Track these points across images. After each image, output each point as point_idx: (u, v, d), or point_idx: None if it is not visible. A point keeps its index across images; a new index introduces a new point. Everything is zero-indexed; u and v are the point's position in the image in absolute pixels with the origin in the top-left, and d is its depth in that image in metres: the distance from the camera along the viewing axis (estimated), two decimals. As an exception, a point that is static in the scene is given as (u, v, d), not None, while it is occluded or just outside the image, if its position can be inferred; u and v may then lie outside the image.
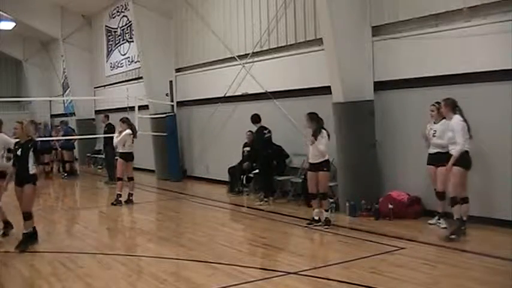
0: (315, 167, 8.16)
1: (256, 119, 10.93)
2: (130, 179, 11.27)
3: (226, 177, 12.28)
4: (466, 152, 6.92)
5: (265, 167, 10.65)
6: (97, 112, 20.77)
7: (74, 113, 21.47)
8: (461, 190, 7.00)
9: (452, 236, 6.90)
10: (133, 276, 6.05)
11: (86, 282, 5.75)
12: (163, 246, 7.48)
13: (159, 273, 5.97)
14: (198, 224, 8.99)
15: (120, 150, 11.21)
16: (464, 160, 6.91)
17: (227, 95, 12.94)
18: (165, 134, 14.76)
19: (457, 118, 7.00)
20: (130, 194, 11.15)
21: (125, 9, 17.80)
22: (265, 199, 10.40)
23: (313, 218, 8.26)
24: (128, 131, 11.11)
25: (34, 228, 7.54)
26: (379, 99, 9.08)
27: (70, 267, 6.34)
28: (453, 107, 7.12)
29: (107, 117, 15.19)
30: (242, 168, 11.66)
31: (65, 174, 16.66)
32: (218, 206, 10.74)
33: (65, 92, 23.15)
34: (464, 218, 6.99)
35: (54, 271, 6.18)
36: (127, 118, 11.64)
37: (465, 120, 6.95)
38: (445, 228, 7.54)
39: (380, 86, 9.07)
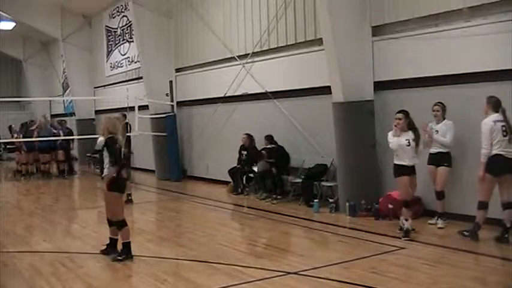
0: (412, 170, 7.35)
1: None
2: None
3: (226, 177, 12.27)
4: (493, 156, 6.57)
5: (283, 169, 10.83)
6: (97, 112, 20.78)
7: (74, 113, 21.46)
8: (487, 195, 6.73)
9: (466, 233, 6.82)
10: (134, 276, 6.06)
11: (86, 282, 5.75)
12: (163, 246, 7.48)
13: (159, 273, 5.98)
14: (198, 224, 8.98)
15: None
16: (490, 165, 6.58)
17: (227, 95, 12.94)
18: (165, 134, 14.75)
19: (487, 118, 6.66)
20: (128, 194, 11.13)
21: (125, 9, 17.79)
22: (274, 197, 10.59)
23: (409, 229, 7.27)
24: None
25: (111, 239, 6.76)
26: (379, 99, 9.08)
27: (70, 267, 6.34)
28: (495, 106, 6.70)
29: (125, 116, 13.62)
30: (243, 170, 11.67)
31: (65, 174, 16.68)
32: (218, 206, 10.73)
33: (65, 92, 23.16)
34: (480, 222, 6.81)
35: (54, 271, 6.17)
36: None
37: (504, 120, 6.60)
38: (441, 228, 7.54)
39: (380, 86, 9.07)
